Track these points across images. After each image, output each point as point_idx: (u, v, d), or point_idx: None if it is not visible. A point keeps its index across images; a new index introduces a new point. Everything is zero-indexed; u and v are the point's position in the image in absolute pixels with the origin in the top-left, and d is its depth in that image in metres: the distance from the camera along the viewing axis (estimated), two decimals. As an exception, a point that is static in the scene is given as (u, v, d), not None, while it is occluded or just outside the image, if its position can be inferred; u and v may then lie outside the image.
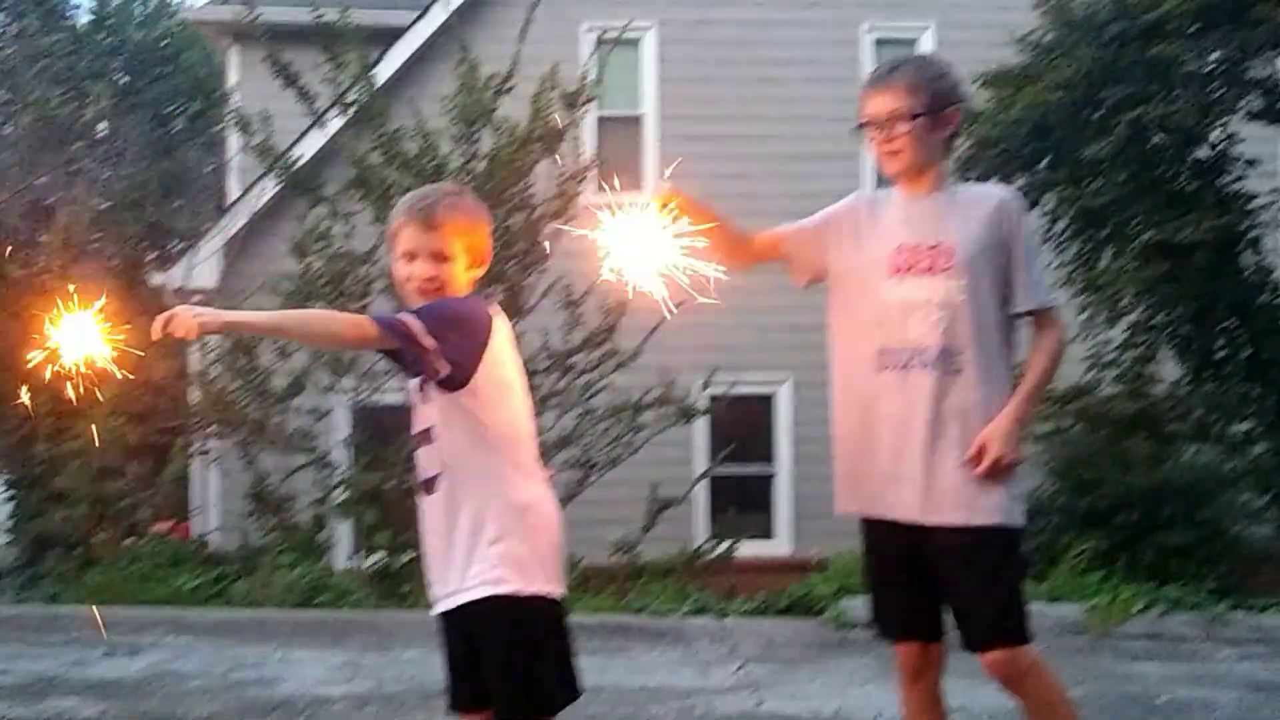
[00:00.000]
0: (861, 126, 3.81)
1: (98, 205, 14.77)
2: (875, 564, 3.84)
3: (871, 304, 3.73)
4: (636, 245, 3.48)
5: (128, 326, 3.19)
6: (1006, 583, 3.66)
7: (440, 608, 3.38)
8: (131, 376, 3.17)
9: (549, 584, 3.33)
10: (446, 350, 3.20)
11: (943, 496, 3.61)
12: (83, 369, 3.13)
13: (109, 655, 6.99)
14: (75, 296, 3.14)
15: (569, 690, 3.38)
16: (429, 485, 3.34)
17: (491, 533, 3.27)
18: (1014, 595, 3.66)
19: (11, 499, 11.26)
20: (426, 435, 3.33)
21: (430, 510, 3.36)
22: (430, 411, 3.32)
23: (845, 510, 3.81)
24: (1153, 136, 9.65)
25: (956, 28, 13.71)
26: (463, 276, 3.37)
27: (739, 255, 3.94)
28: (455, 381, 3.24)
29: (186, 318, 3.01)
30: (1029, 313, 3.73)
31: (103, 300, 3.18)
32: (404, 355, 3.27)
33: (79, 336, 3.14)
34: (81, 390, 3.15)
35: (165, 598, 8.92)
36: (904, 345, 3.65)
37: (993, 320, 3.67)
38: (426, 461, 3.35)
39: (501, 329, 3.36)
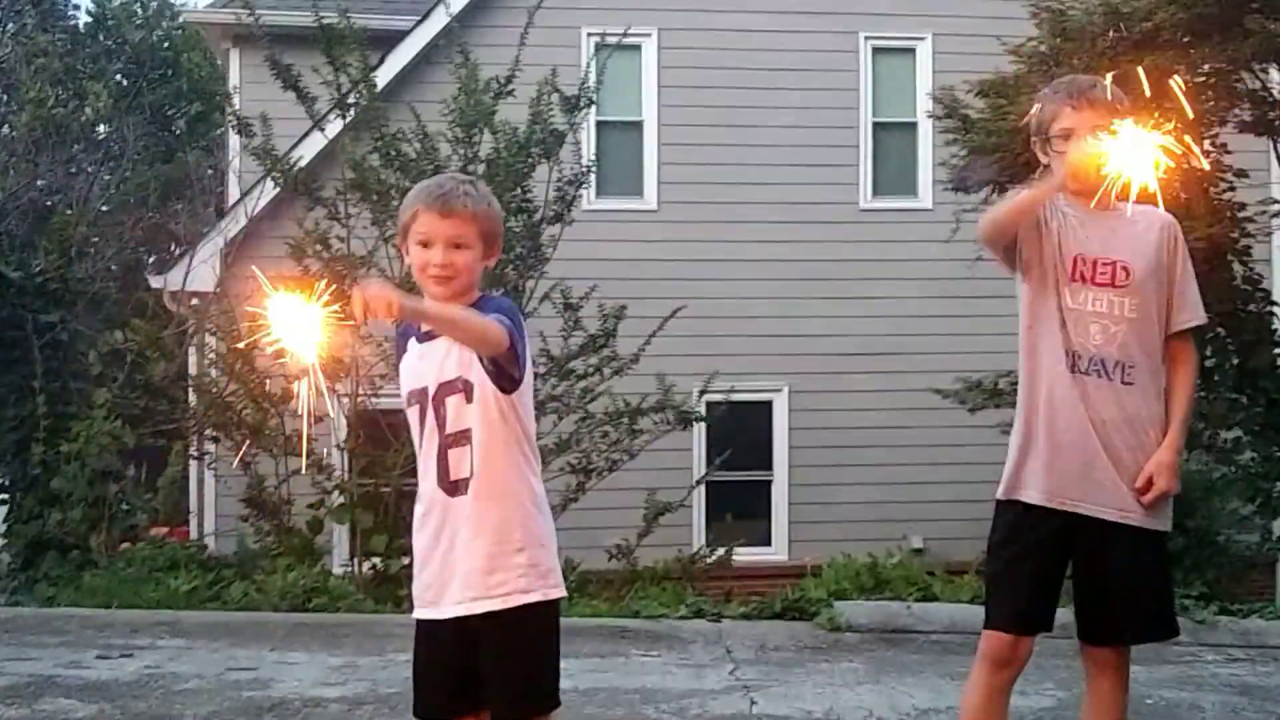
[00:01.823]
0: (1046, 139, 3.91)
1: (97, 207, 14.81)
2: (1018, 554, 3.91)
3: (1056, 304, 3.86)
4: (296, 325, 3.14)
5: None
6: (1167, 582, 4.09)
7: (448, 613, 3.35)
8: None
9: (562, 587, 3.41)
10: (520, 352, 3.26)
11: (1116, 496, 3.81)
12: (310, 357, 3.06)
13: (104, 656, 7.00)
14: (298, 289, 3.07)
15: (556, 693, 3.46)
16: (458, 487, 3.31)
17: (519, 540, 3.29)
18: (1170, 594, 4.13)
19: (7, 501, 11.25)
20: (464, 436, 3.30)
21: (453, 513, 3.32)
22: (472, 412, 3.29)
23: (1006, 497, 3.91)
24: (1145, 147, 9.69)
25: (953, 37, 13.77)
26: (478, 266, 3.38)
27: (1006, 239, 3.93)
28: (515, 383, 3.29)
29: (385, 294, 2.99)
30: (1183, 331, 3.93)
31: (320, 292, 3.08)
32: (498, 360, 3.26)
33: (297, 324, 3.05)
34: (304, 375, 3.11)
35: (161, 600, 8.94)
36: (1086, 351, 3.81)
37: (1157, 338, 3.88)
38: (458, 463, 3.30)
39: (525, 330, 3.38)
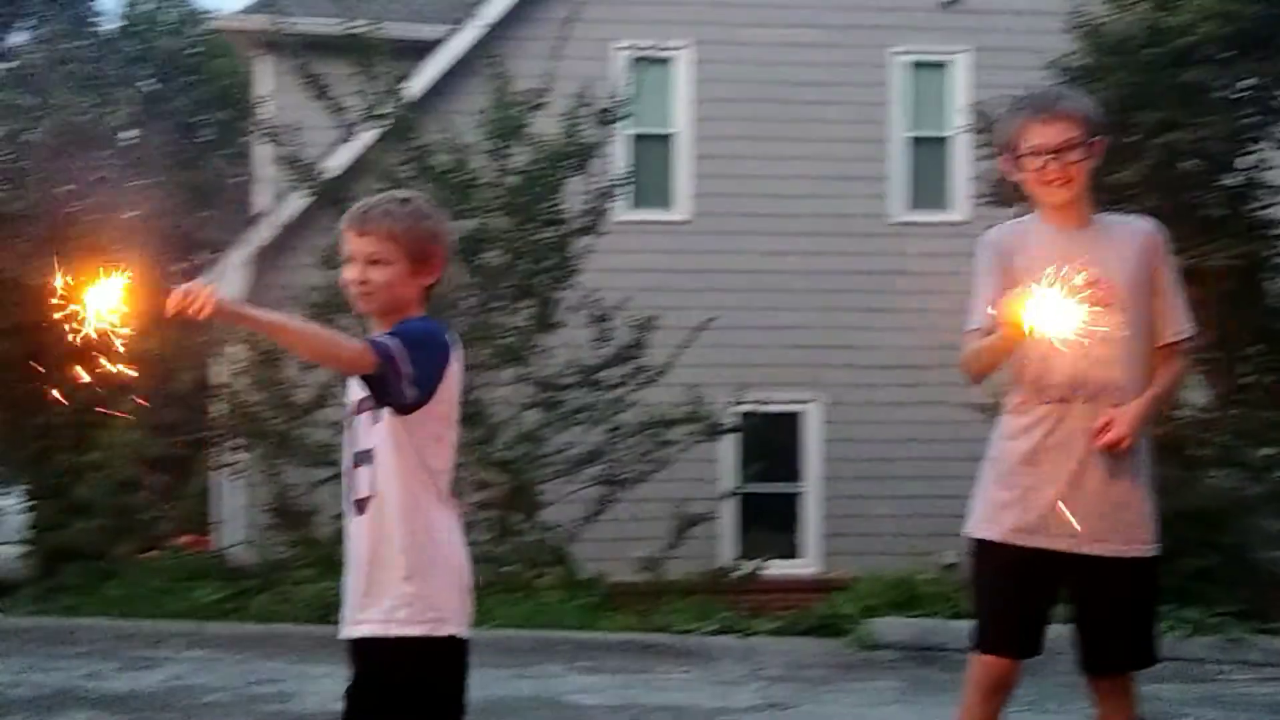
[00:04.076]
0: (1018, 156, 3.79)
1: (123, 214, 14.81)
2: (1007, 583, 3.83)
3: (1033, 337, 3.70)
4: None
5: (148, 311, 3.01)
6: (1156, 608, 3.98)
7: (343, 632, 3.31)
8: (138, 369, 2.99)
9: (455, 624, 3.26)
10: (417, 375, 3.16)
11: (1110, 528, 3.73)
12: (107, 338, 2.98)
13: (126, 668, 6.96)
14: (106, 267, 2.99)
15: None
16: (360, 506, 3.27)
17: (403, 568, 3.21)
18: (1158, 619, 4.02)
19: (30, 509, 11.23)
20: (367, 456, 3.26)
21: (355, 532, 3.29)
22: (377, 433, 3.24)
23: (986, 536, 3.85)
24: (1184, 162, 9.60)
25: (990, 51, 13.69)
26: (407, 284, 3.30)
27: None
28: (414, 407, 3.20)
29: (205, 294, 2.92)
30: (1172, 342, 3.83)
31: (130, 273, 3.00)
32: (381, 380, 3.17)
33: (104, 306, 2.98)
34: (106, 362, 2.98)
35: (184, 611, 8.90)
36: (1067, 379, 3.70)
37: (1145, 353, 3.77)
38: (361, 483, 3.27)
39: (457, 359, 3.32)
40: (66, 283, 2.99)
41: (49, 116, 16.34)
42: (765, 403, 11.58)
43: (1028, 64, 10.30)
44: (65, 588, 10.03)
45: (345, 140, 11.08)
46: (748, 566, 10.60)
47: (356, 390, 3.30)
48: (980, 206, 10.82)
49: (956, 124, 12.86)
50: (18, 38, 26.61)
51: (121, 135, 19.51)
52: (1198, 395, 10.71)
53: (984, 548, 3.87)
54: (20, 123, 16.98)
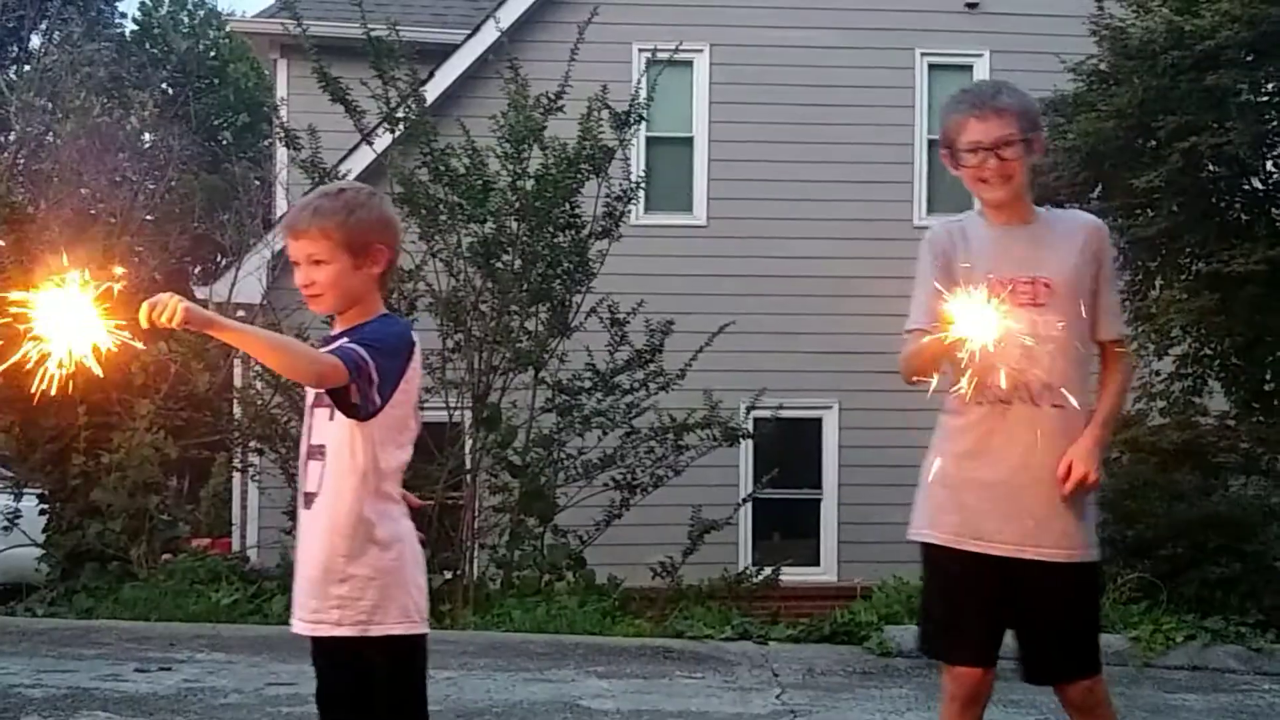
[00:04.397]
0: (956, 152, 3.75)
1: (141, 217, 14.83)
2: (956, 589, 3.77)
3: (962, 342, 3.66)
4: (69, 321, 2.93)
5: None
6: (1097, 614, 3.86)
7: (295, 628, 3.33)
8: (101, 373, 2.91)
9: (403, 622, 3.24)
10: (381, 384, 3.16)
11: (1046, 531, 3.65)
12: (68, 358, 2.87)
13: (143, 669, 6.95)
14: (75, 275, 2.88)
15: None
16: (308, 499, 3.28)
17: (341, 570, 3.21)
18: (1099, 626, 3.85)
19: (46, 512, 11.23)
20: (319, 451, 3.26)
21: (303, 525, 3.31)
22: (331, 430, 3.23)
23: (929, 539, 3.78)
24: (1206, 166, 9.55)
25: (1011, 54, 13.64)
26: (353, 278, 3.27)
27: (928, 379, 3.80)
28: (360, 412, 3.19)
29: (172, 303, 2.87)
30: (1111, 341, 3.79)
31: (107, 284, 2.91)
32: (346, 390, 3.16)
33: (72, 320, 2.87)
34: (55, 381, 2.87)
35: (201, 613, 8.89)
36: (1009, 378, 3.62)
37: (1086, 352, 3.71)
38: (311, 476, 3.27)
39: (417, 356, 3.31)
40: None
41: (68, 119, 16.36)
42: (783, 408, 11.52)
43: (1049, 67, 10.29)
44: (83, 589, 10.03)
45: (363, 143, 11.07)
46: (765, 573, 10.54)
47: None
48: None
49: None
50: (37, 40, 26.72)
51: (141, 138, 19.55)
52: (1219, 402, 10.66)
53: (928, 551, 3.80)
54: (39, 125, 17.03)
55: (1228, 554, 9.76)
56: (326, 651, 3.28)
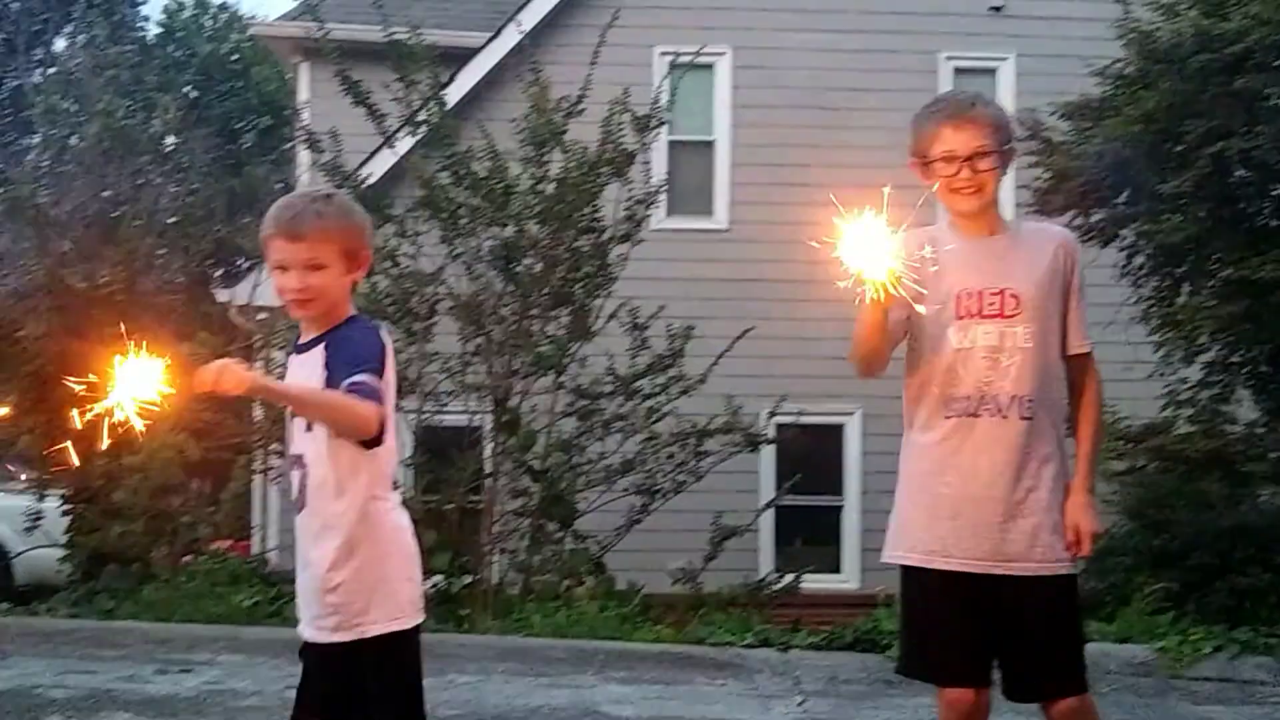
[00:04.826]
0: (928, 162, 3.72)
1: (164, 220, 14.87)
2: (934, 610, 3.71)
3: (938, 349, 3.66)
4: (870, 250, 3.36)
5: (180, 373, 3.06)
6: (1079, 630, 3.74)
7: (304, 634, 3.37)
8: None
9: (397, 619, 3.30)
10: (387, 403, 3.24)
11: (1019, 546, 3.60)
12: (129, 416, 3.00)
13: (163, 671, 6.94)
14: (139, 342, 3.01)
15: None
16: (299, 503, 3.32)
17: (331, 579, 3.25)
18: (1083, 642, 3.74)
19: (69, 513, 11.27)
20: (299, 461, 3.30)
21: (301, 527, 3.34)
22: (309, 441, 3.27)
23: (903, 560, 3.74)
24: (1235, 172, 9.46)
25: (1036, 57, 13.56)
26: (339, 284, 3.31)
27: (877, 369, 3.76)
28: (375, 442, 3.25)
29: (238, 373, 2.96)
30: (1080, 355, 3.74)
31: (166, 357, 3.05)
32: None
33: (134, 382, 3.00)
34: (118, 434, 3.02)
35: (222, 615, 8.88)
36: (974, 392, 3.60)
37: (1055, 364, 3.67)
38: (297, 485, 3.32)
39: (390, 356, 3.33)
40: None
41: (92, 122, 16.43)
42: (804, 414, 11.45)
43: (1074, 71, 10.21)
44: (104, 591, 10.05)
45: (384, 147, 11.06)
46: (786, 580, 10.47)
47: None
48: (1025, 216, 10.71)
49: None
50: (61, 44, 26.88)
51: (164, 141, 19.63)
52: (1247, 410, 10.56)
53: (906, 573, 3.75)
54: (63, 128, 17.12)
55: (1257, 564, 9.67)
56: (325, 656, 3.31)
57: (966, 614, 3.64)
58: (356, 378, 3.13)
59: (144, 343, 2.99)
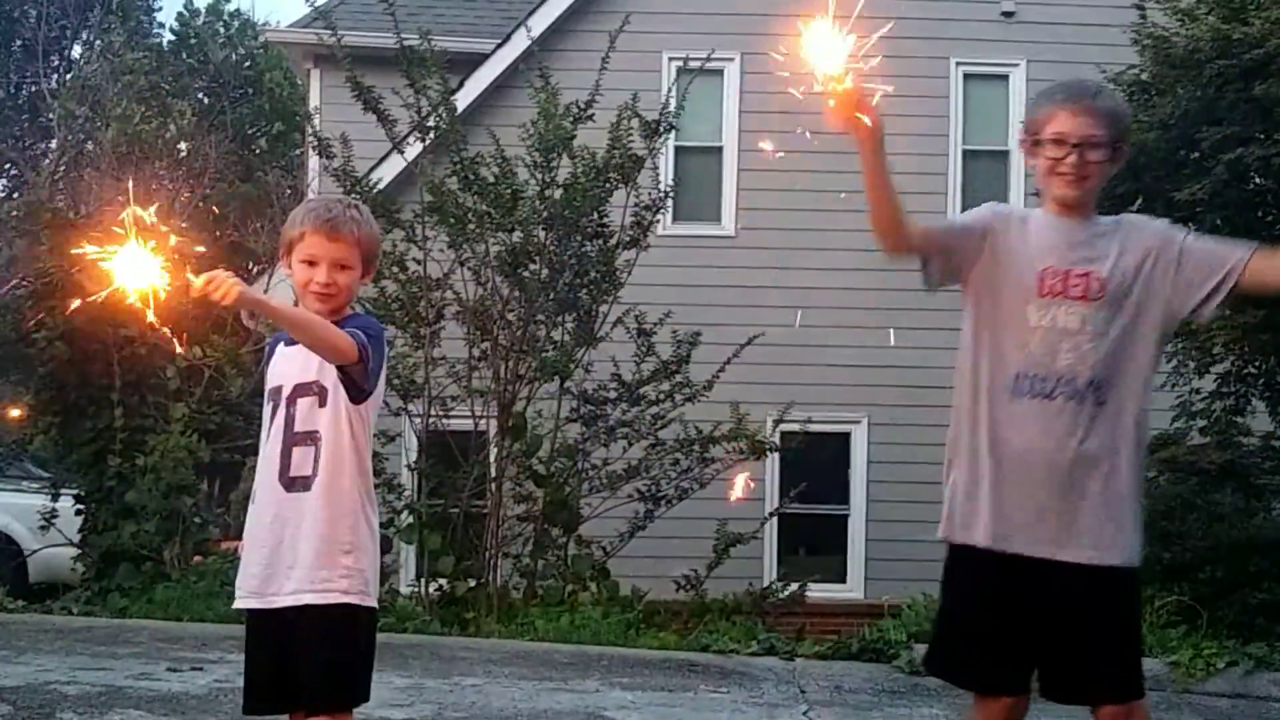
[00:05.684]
0: (1036, 141, 3.64)
1: (177, 224, 14.92)
2: (977, 606, 3.59)
3: (1014, 326, 3.57)
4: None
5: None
6: (1136, 629, 3.61)
7: (275, 604, 3.54)
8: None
9: (373, 600, 3.61)
10: (373, 369, 3.52)
11: (1082, 534, 3.47)
12: (149, 296, 3.18)
13: (175, 669, 6.95)
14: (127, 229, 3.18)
15: (367, 691, 3.65)
16: (295, 483, 3.52)
17: (347, 543, 3.52)
18: (1139, 643, 3.63)
19: (83, 512, 11.31)
20: (311, 437, 3.52)
21: (289, 508, 3.53)
22: (323, 416, 3.52)
23: (957, 540, 3.61)
24: (1252, 179, 9.39)
25: (1048, 64, 13.50)
26: (355, 286, 3.65)
27: (899, 235, 3.73)
28: (363, 394, 3.54)
29: (228, 282, 3.17)
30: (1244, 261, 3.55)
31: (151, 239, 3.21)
32: (348, 371, 3.50)
33: (134, 266, 3.18)
34: (156, 315, 3.20)
35: (233, 614, 8.88)
36: (1049, 373, 3.50)
37: (1139, 355, 3.55)
38: (301, 461, 3.52)
39: (385, 349, 3.70)
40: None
41: (109, 127, 16.49)
42: (811, 422, 11.41)
43: (1088, 77, 10.14)
44: (117, 589, 10.09)
45: (394, 152, 11.06)
46: (791, 589, 10.43)
47: (292, 375, 3.57)
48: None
49: (1015, 137, 12.70)
50: (78, 50, 26.98)
51: (178, 146, 19.70)
52: (1263, 422, 10.49)
53: (953, 553, 3.64)
54: (80, 133, 17.18)
55: (1270, 578, 9.60)
56: (322, 618, 3.49)
57: (1017, 608, 3.50)
58: (352, 332, 3.45)
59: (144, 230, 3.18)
